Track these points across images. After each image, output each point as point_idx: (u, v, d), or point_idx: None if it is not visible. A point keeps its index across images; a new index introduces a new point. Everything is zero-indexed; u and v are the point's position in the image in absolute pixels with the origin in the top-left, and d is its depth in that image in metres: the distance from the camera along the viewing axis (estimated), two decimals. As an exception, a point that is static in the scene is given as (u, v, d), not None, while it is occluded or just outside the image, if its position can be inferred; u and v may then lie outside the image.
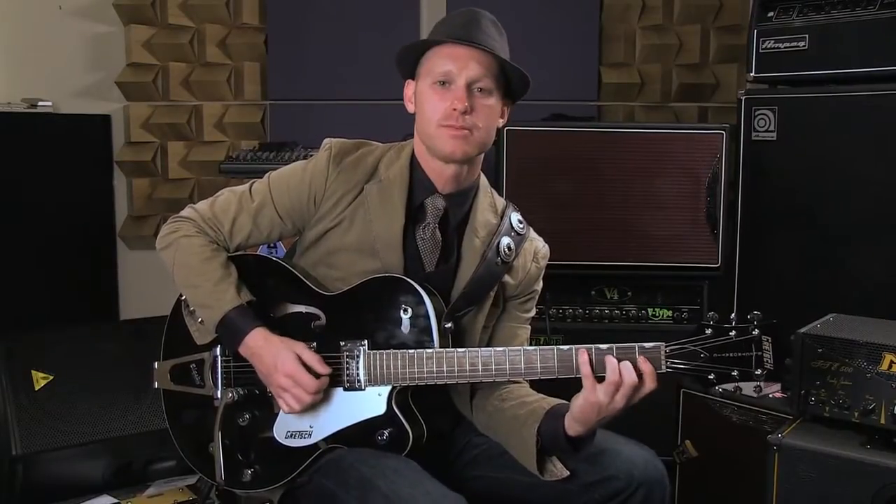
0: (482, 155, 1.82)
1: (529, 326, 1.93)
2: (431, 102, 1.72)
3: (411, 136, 1.85)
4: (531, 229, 1.91)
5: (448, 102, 1.69)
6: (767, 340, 1.55)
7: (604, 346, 1.59)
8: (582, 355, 1.58)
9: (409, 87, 1.81)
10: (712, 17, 3.49)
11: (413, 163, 1.81)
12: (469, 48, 1.69)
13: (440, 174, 1.78)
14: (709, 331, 1.58)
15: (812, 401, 2.00)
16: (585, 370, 1.58)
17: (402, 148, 1.84)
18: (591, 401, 1.57)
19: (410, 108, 1.81)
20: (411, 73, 1.80)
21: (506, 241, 1.81)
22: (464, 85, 1.69)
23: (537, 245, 1.90)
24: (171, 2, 3.43)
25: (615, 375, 1.55)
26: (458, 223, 1.81)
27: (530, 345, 1.90)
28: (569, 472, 1.67)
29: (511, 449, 1.74)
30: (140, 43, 3.43)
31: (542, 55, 3.31)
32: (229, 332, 1.75)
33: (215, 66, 3.48)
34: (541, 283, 1.92)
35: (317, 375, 1.68)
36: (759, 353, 1.55)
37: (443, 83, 1.70)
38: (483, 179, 1.87)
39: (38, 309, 3.16)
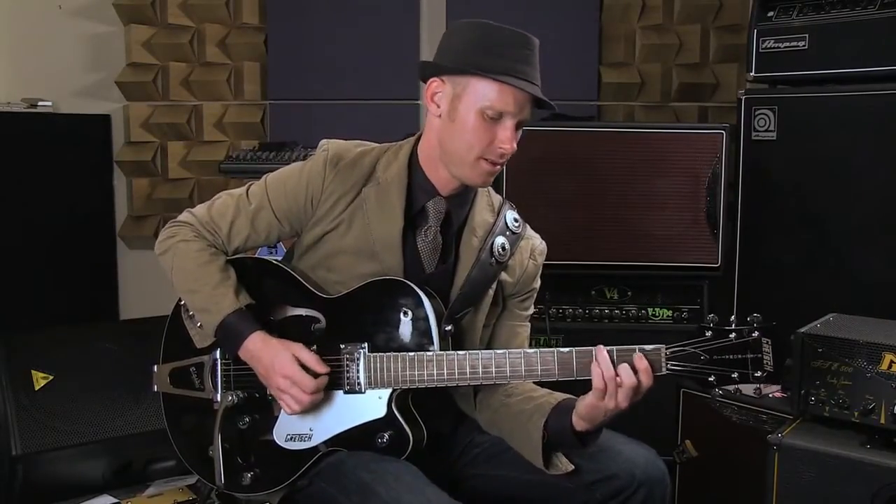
0: None
1: (529, 324, 1.93)
2: (477, 132, 1.67)
3: (411, 135, 1.84)
4: (528, 227, 1.90)
5: (493, 137, 1.67)
6: (767, 343, 1.56)
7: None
8: (595, 369, 1.58)
9: (436, 87, 1.72)
10: (712, 16, 3.49)
11: (412, 164, 1.79)
12: (531, 95, 1.66)
13: (446, 182, 1.77)
14: (709, 333, 1.58)
15: (812, 401, 2.00)
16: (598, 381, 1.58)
17: (400, 148, 1.82)
18: (598, 405, 1.58)
19: (434, 108, 1.72)
20: (438, 73, 1.72)
21: (500, 240, 1.80)
22: (514, 125, 1.68)
23: (534, 243, 1.89)
24: (170, 2, 3.43)
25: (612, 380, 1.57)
26: (459, 225, 1.81)
27: (530, 344, 1.91)
28: (573, 467, 1.68)
29: (515, 443, 1.75)
30: (140, 43, 3.43)
31: (542, 55, 3.29)
32: (228, 337, 1.74)
33: (215, 66, 3.48)
34: (539, 281, 1.92)
35: (315, 375, 1.68)
36: (759, 356, 1.56)
37: (493, 118, 1.66)
38: None
39: (38, 309, 3.16)
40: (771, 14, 2.72)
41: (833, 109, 2.59)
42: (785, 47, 2.68)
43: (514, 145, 1.69)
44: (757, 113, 2.71)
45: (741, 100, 2.74)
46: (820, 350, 1.98)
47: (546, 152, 2.72)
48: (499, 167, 1.72)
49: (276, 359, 1.68)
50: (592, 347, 1.60)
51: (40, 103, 3.30)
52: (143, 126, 3.49)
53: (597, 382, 1.57)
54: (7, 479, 2.53)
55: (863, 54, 2.54)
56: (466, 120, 1.67)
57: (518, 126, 1.70)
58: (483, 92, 1.66)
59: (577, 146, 2.73)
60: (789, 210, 2.68)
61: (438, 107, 1.72)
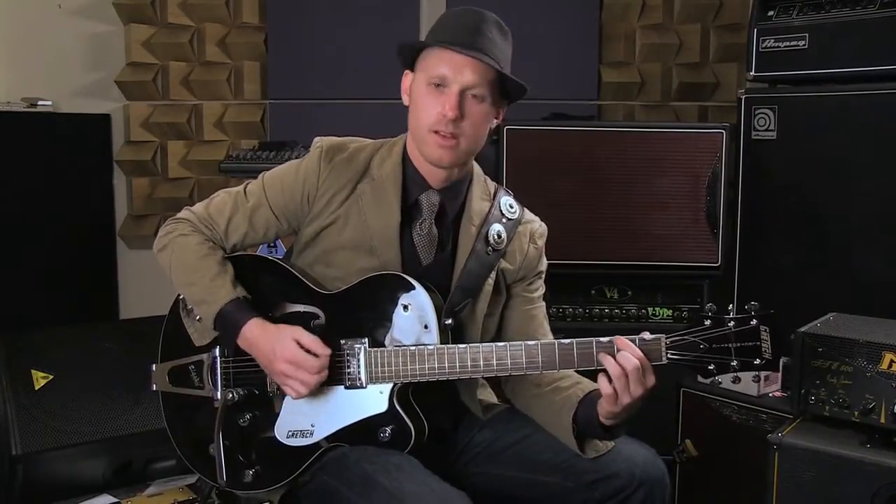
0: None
1: (543, 303, 1.92)
2: (425, 105, 1.71)
3: (406, 131, 1.85)
4: (526, 211, 1.90)
5: (440, 107, 1.69)
6: (765, 330, 1.57)
7: (604, 339, 1.61)
8: (609, 361, 1.58)
9: (407, 79, 1.80)
10: (712, 16, 3.49)
11: (405, 159, 1.81)
12: (466, 56, 1.67)
13: (431, 173, 1.79)
14: (707, 322, 1.59)
15: (812, 400, 2.01)
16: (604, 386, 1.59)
17: (394, 144, 1.84)
18: (613, 409, 1.59)
19: (406, 99, 1.79)
20: (411, 65, 1.79)
21: (496, 228, 1.81)
22: (457, 91, 1.68)
23: (533, 226, 1.89)
24: (170, 1, 3.43)
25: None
26: (455, 216, 1.82)
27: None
28: (613, 444, 1.70)
29: (551, 431, 1.76)
30: (140, 42, 3.43)
31: (542, 55, 3.31)
32: (227, 326, 1.75)
33: (215, 66, 3.48)
34: (545, 263, 1.92)
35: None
36: (758, 343, 1.57)
37: (437, 85, 1.69)
38: (476, 168, 1.87)
39: (39, 309, 3.15)
40: (771, 13, 2.73)
41: (833, 109, 2.59)
42: (785, 47, 2.68)
43: (457, 112, 1.67)
44: (757, 112, 2.71)
45: (741, 99, 2.75)
46: (820, 349, 1.98)
47: (546, 152, 2.72)
48: (453, 141, 1.70)
49: (277, 344, 1.68)
50: (593, 339, 1.61)
51: (40, 103, 3.30)
52: (143, 125, 3.49)
53: (614, 371, 1.57)
54: (7, 478, 2.53)
55: (862, 54, 2.54)
56: (419, 94, 1.72)
57: (465, 92, 1.68)
58: (428, 63, 1.71)
59: (578, 146, 2.73)
60: (789, 210, 2.68)
61: (409, 96, 1.78)
